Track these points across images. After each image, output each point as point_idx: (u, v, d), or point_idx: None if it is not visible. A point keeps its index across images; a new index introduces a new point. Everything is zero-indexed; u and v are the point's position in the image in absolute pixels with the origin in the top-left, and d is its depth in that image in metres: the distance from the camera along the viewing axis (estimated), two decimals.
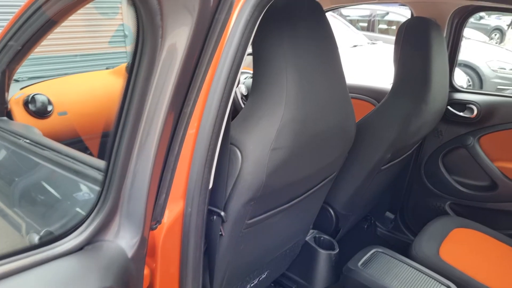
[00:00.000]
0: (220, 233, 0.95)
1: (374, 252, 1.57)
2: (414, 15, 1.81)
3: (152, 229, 0.69)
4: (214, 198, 0.91)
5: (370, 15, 7.75)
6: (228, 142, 0.88)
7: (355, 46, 5.45)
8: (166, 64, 0.54)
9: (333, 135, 1.10)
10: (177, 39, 0.53)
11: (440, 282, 1.41)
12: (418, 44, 1.45)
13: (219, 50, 0.73)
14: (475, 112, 1.81)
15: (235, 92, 1.80)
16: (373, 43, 5.79)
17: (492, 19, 12.84)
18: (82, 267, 0.56)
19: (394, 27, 7.82)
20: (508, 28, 12.27)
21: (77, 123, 1.52)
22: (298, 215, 1.26)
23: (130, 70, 0.53)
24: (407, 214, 2.15)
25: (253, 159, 0.90)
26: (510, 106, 1.76)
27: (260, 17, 0.81)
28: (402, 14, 7.29)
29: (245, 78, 2.22)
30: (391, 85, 1.55)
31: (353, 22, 7.66)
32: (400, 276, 1.44)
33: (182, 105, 0.61)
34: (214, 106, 0.76)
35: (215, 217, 0.92)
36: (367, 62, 4.74)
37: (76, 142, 1.50)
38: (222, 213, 0.91)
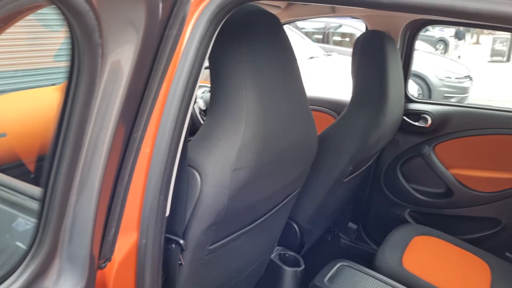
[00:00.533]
0: (180, 262, 0.88)
1: (339, 266, 1.55)
2: (369, 28, 1.84)
3: (100, 268, 0.61)
4: (172, 225, 0.84)
5: (324, 28, 7.97)
6: (186, 165, 0.82)
7: (311, 57, 5.56)
8: (108, 87, 0.48)
9: (296, 151, 1.07)
10: (120, 58, 0.47)
11: None
12: (374, 57, 1.47)
13: (172, 68, 0.67)
14: (429, 121, 1.87)
15: (193, 108, 1.74)
16: (329, 55, 5.94)
17: (436, 31, 13.70)
18: None
19: (347, 39, 8.09)
20: (461, 40, 13.37)
21: (17, 145, 1.39)
22: (262, 234, 1.21)
23: (66, 94, 0.46)
24: (369, 224, 2.17)
25: (214, 181, 0.84)
26: (461, 115, 1.83)
27: (216, 32, 0.76)
28: (354, 26, 7.56)
29: (203, 92, 2.16)
30: (350, 97, 1.56)
31: (308, 34, 7.84)
32: None
33: (131, 130, 0.55)
34: (169, 128, 0.70)
35: (173, 245, 0.85)
36: (324, 73, 4.84)
37: (16, 166, 1.37)
38: (181, 241, 0.85)
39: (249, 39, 0.87)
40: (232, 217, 0.93)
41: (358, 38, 1.53)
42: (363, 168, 1.71)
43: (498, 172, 1.79)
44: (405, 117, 1.89)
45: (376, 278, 1.48)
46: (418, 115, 1.90)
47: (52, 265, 0.51)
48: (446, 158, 1.89)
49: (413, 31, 1.85)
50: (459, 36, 14.28)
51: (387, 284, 1.45)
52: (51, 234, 0.50)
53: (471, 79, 6.72)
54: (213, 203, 0.85)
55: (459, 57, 12.83)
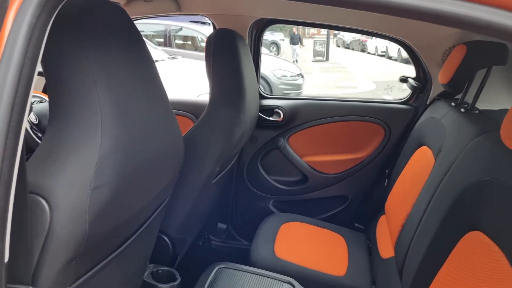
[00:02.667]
0: None
1: (217, 270, 1.50)
2: (217, 27, 1.84)
3: None
4: (14, 273, 0.65)
5: (165, 30, 7.81)
6: (25, 193, 0.64)
7: (156, 61, 5.36)
8: None
9: (163, 159, 0.97)
10: None
11: (282, 281, 1.46)
12: (228, 55, 1.47)
13: None
14: (282, 115, 1.99)
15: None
16: (174, 58, 5.84)
17: (267, 35, 15.03)
18: None
19: (189, 42, 8.12)
20: (296, 44, 14.39)
21: None
22: (134, 255, 1.07)
23: None
24: (238, 221, 2.20)
25: (68, 206, 0.69)
26: (308, 107, 2.00)
27: (51, 22, 0.61)
28: (195, 29, 7.65)
29: (33, 103, 1.81)
30: (208, 97, 1.52)
31: (148, 37, 7.57)
32: (247, 286, 1.42)
33: None
34: None
35: None
36: (172, 77, 4.74)
37: None
38: None
39: (94, 31, 0.74)
40: (97, 244, 0.78)
41: (209, 37, 1.50)
42: (229, 167, 1.71)
43: (341, 154, 2.03)
44: (260, 113, 1.96)
45: (254, 273, 1.50)
46: (271, 110, 2.01)
47: None
48: (299, 148, 2.04)
49: (258, 30, 1.93)
50: (294, 41, 14.99)
51: (265, 276, 1.48)
52: None
53: (302, 76, 7.58)
54: (70, 233, 0.69)
55: (296, 61, 13.64)
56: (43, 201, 0.67)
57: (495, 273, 0.80)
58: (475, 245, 0.92)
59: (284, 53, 15.03)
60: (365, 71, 12.18)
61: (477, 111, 1.44)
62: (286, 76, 7.32)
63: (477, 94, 1.45)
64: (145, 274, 1.41)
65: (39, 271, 0.68)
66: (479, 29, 0.57)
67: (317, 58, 15.30)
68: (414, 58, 1.87)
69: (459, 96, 1.60)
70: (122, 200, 0.80)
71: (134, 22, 1.04)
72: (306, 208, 2.09)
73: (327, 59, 15.78)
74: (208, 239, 2.16)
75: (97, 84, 0.72)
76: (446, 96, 1.76)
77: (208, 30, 7.59)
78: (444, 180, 1.19)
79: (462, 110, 1.45)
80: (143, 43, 0.91)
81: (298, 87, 7.42)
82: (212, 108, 1.47)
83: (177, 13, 1.81)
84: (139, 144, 0.84)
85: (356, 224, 2.03)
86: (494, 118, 1.33)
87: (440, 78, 1.52)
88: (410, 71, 2.06)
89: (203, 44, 7.49)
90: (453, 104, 1.57)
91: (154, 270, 1.45)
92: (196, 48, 7.91)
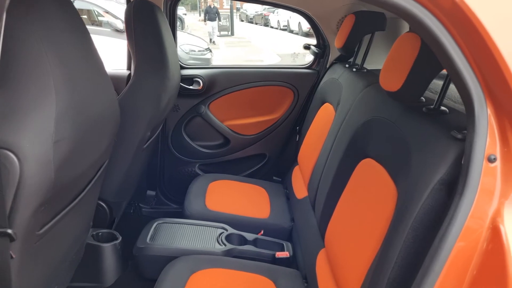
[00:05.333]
0: (11, 255, 0.77)
1: (156, 225, 1.64)
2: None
3: None
4: None
5: None
6: None
7: None
8: None
9: (105, 119, 1.06)
10: None
11: (216, 227, 1.66)
12: (149, 25, 1.55)
13: None
14: (201, 84, 2.12)
15: None
16: None
17: None
18: None
19: (85, 16, 7.57)
20: (213, 21, 12.55)
21: None
22: (82, 212, 1.16)
23: None
24: (166, 187, 2.32)
25: (35, 158, 0.77)
26: (225, 74, 2.16)
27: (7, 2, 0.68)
28: (90, 1, 7.11)
29: None
30: (133, 67, 1.59)
31: None
32: (186, 235, 1.59)
33: None
34: None
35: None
36: None
37: None
38: (9, 231, 0.75)
39: (41, 8, 0.81)
40: (59, 192, 0.87)
41: (128, 8, 1.55)
42: (156, 133, 1.81)
43: (258, 117, 2.25)
44: (181, 83, 2.07)
45: (190, 224, 1.67)
46: (191, 79, 2.13)
47: None
48: (220, 113, 2.21)
49: (173, 1, 2.01)
50: (211, 17, 12.62)
51: (200, 225, 1.66)
52: None
53: (210, 51, 7.65)
54: (39, 181, 0.78)
55: (213, 42, 12.46)
56: (12, 155, 0.75)
57: (379, 184, 1.09)
58: (366, 169, 1.21)
59: (189, 28, 14.74)
60: (270, 45, 12.65)
61: (365, 70, 1.75)
62: (194, 51, 7.31)
63: (364, 56, 1.77)
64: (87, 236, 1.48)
65: (14, 216, 0.76)
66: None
67: (222, 32, 15.34)
68: (314, 27, 2.14)
69: (352, 60, 1.91)
70: (78, 153, 0.90)
71: None
72: (230, 168, 2.29)
73: (232, 33, 15.94)
74: (138, 207, 2.24)
75: (44, 45, 0.79)
76: (341, 59, 2.07)
77: (107, 3, 7.18)
78: (343, 125, 1.47)
79: (354, 69, 1.76)
80: (80, 16, 0.98)
81: (207, 61, 7.46)
82: (139, 76, 1.55)
83: None
84: (88, 104, 0.93)
85: (274, 178, 2.30)
86: (377, 75, 1.65)
87: (336, 43, 1.81)
88: (310, 42, 2.34)
89: (101, 19, 7.07)
90: (347, 66, 1.88)
91: (94, 233, 1.53)
92: (93, 22, 7.41)
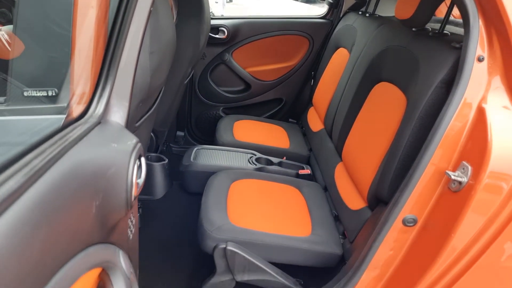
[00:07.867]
0: None
1: (196, 150, 1.92)
2: None
3: None
4: None
5: None
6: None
7: None
8: None
9: (170, 46, 1.31)
10: None
11: (246, 153, 1.94)
12: None
13: None
14: (226, 33, 2.34)
15: None
16: None
17: None
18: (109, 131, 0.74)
19: None
20: None
21: None
22: (149, 124, 1.42)
23: None
24: (193, 128, 2.58)
25: (140, 64, 1.02)
26: (248, 24, 2.38)
27: None
28: None
29: None
30: (176, 11, 1.81)
31: None
32: (221, 158, 1.87)
33: None
34: None
35: None
36: None
37: None
38: None
39: None
40: (148, 97, 1.13)
41: None
42: (192, 73, 2.05)
43: (276, 64, 2.49)
44: None
45: (224, 150, 1.94)
46: (216, 29, 2.35)
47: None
48: (242, 61, 2.44)
49: None
50: None
51: (232, 151, 1.94)
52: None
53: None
54: (141, 81, 1.04)
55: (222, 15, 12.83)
56: None
57: (391, 98, 1.35)
58: (380, 90, 1.47)
59: None
60: (268, 12, 12.60)
61: (377, 15, 1.99)
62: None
63: (376, 4, 1.99)
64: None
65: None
66: None
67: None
68: None
69: (364, 9, 2.13)
70: (161, 65, 1.15)
71: None
72: (250, 112, 2.55)
73: (230, 0, 15.77)
74: (169, 147, 2.52)
75: None
76: (354, 9, 2.29)
77: None
78: (359, 59, 1.72)
79: (367, 15, 1.99)
80: None
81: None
82: (182, 19, 1.78)
83: None
84: (165, 31, 1.17)
85: (290, 120, 2.57)
86: (388, 18, 1.88)
87: None
88: (311, 11, 2.53)
89: None
90: (360, 13, 2.10)
91: (146, 155, 1.80)
92: None
